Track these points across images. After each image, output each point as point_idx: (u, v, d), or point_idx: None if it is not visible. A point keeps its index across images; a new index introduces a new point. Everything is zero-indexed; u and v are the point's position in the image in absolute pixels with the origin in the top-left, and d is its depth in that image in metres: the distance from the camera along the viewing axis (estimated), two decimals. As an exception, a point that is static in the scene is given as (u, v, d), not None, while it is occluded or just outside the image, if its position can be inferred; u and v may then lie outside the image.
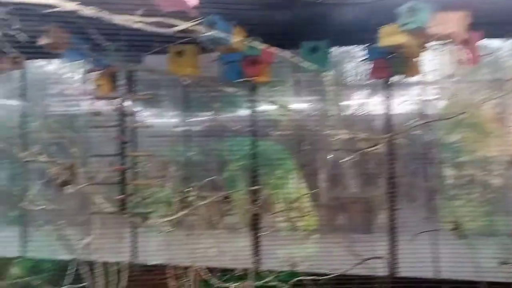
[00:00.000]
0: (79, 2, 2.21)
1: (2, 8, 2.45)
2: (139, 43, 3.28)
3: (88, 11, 2.17)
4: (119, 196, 3.21)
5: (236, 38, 2.99)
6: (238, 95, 3.90)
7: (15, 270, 4.26)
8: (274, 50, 3.33)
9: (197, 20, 2.42)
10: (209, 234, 3.75)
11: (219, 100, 4.00)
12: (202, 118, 4.11)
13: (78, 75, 3.78)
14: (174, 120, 4.02)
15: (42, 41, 3.09)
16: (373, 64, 3.76)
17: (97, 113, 3.84)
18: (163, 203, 3.48)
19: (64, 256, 3.90)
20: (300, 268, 3.80)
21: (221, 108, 4.10)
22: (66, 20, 2.87)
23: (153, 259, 3.65)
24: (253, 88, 3.95)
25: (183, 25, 2.36)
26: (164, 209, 3.44)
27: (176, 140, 3.85)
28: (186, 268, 3.54)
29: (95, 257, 3.65)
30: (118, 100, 3.54)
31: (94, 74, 3.68)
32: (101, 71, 3.67)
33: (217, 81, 3.78)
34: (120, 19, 2.22)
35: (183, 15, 2.50)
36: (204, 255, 3.65)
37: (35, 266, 4.18)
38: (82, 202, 3.56)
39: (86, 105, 3.79)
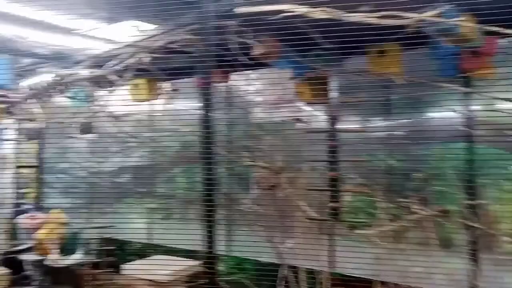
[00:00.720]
0: (310, 6, 2.16)
1: (233, 20, 2.60)
2: (340, 46, 3.17)
3: (318, 13, 2.10)
4: (331, 203, 3.12)
5: (466, 27, 2.58)
6: (452, 93, 3.42)
7: (221, 267, 4.63)
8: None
9: (434, 10, 2.13)
10: (420, 250, 3.36)
11: (428, 100, 3.58)
12: (407, 121, 3.74)
13: (280, 83, 3.87)
14: (376, 124, 3.76)
15: (256, 51, 3.22)
16: None
17: (299, 120, 3.88)
18: (370, 213, 3.26)
19: (267, 258, 4.05)
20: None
21: (430, 108, 3.67)
22: (277, 27, 2.93)
23: (357, 271, 3.46)
24: (470, 84, 3.42)
25: (418, 16, 2.10)
26: (372, 219, 3.21)
27: (380, 145, 3.58)
28: (396, 285, 3.24)
29: (297, 263, 3.67)
30: (322, 106, 3.49)
31: (296, 81, 3.72)
32: (303, 77, 3.69)
33: (426, 79, 3.39)
34: (352, 18, 2.09)
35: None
36: (415, 273, 3.28)
37: (239, 265, 4.47)
38: (287, 207, 3.61)
39: (289, 112, 3.86)
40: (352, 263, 3.30)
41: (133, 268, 3.66)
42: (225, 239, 4.59)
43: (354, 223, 3.20)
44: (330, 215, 3.11)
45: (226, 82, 4.28)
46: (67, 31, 3.53)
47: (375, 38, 2.64)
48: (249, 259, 4.40)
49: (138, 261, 3.85)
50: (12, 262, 5.33)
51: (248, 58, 3.29)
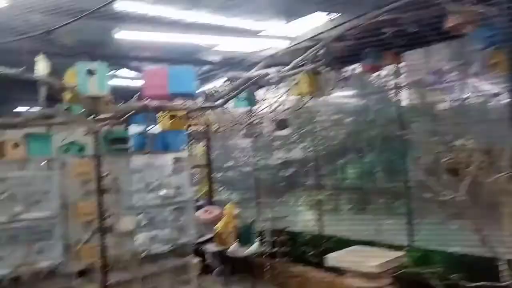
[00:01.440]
0: None
1: None
2: None
3: None
4: None
5: None
6: None
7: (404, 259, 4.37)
8: None
9: None
10: None
11: None
12: None
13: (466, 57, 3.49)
14: None
15: (450, 23, 2.92)
16: None
17: (496, 95, 3.46)
18: None
19: (462, 249, 3.71)
20: None
21: None
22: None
23: None
24: None
25: None
26: None
27: None
28: None
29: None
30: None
31: (489, 52, 3.29)
32: (499, 46, 3.24)
33: None
34: None
35: None
36: None
37: (424, 257, 4.17)
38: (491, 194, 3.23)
39: (476, 89, 3.46)
40: None
41: (338, 259, 3.66)
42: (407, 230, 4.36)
43: None
44: None
45: (400, 62, 4.04)
46: (251, 34, 3.67)
47: None
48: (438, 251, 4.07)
49: (339, 252, 3.84)
50: (196, 253, 5.89)
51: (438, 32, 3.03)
